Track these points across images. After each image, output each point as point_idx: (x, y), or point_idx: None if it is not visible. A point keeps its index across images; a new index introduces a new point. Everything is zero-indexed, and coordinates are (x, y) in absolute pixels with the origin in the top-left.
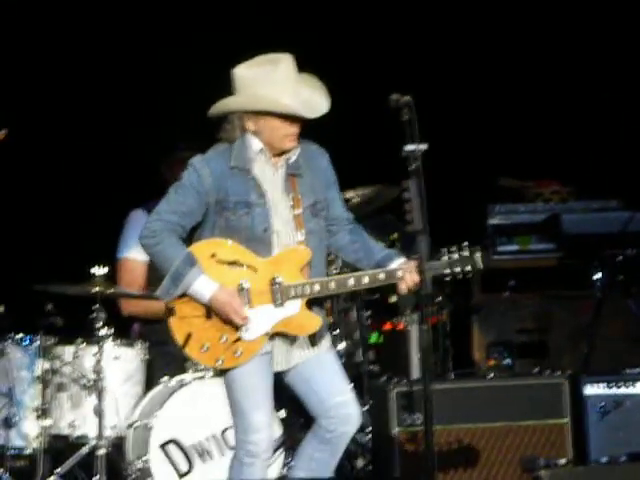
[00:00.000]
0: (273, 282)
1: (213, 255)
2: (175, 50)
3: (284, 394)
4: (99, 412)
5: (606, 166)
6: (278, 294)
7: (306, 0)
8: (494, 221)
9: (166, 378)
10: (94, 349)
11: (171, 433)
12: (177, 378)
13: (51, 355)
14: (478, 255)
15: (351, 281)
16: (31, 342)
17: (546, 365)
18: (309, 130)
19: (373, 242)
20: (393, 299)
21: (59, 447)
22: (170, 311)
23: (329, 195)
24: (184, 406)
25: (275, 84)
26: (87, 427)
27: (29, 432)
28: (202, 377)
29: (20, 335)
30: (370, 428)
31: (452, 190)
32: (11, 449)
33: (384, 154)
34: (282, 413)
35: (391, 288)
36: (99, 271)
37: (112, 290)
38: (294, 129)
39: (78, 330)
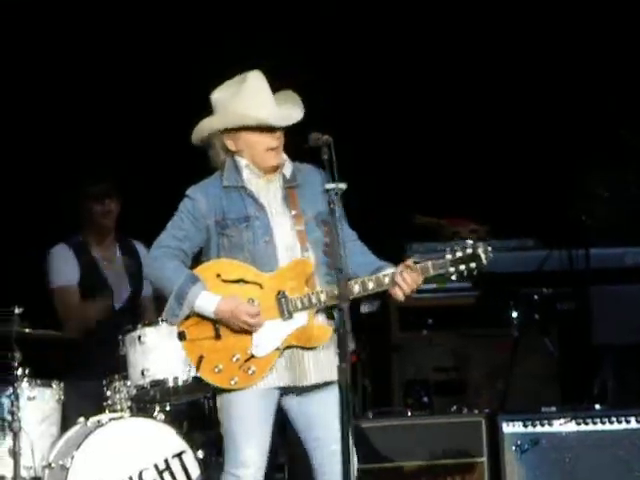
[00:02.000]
0: (279, 296)
1: (218, 275)
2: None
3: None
4: (15, 453)
5: (521, 205)
6: (285, 307)
7: None
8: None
9: (82, 419)
10: (9, 390)
11: (88, 474)
12: (94, 419)
13: None
14: (482, 250)
15: (356, 287)
16: None
17: (463, 403)
18: None
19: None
20: None
21: None
22: (181, 335)
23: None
24: (101, 447)
25: (243, 99)
26: (3, 468)
27: None
28: (120, 417)
29: None
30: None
31: (370, 228)
32: None
33: None
34: (199, 453)
35: None
36: (15, 310)
37: (28, 330)
38: (274, 142)
39: None
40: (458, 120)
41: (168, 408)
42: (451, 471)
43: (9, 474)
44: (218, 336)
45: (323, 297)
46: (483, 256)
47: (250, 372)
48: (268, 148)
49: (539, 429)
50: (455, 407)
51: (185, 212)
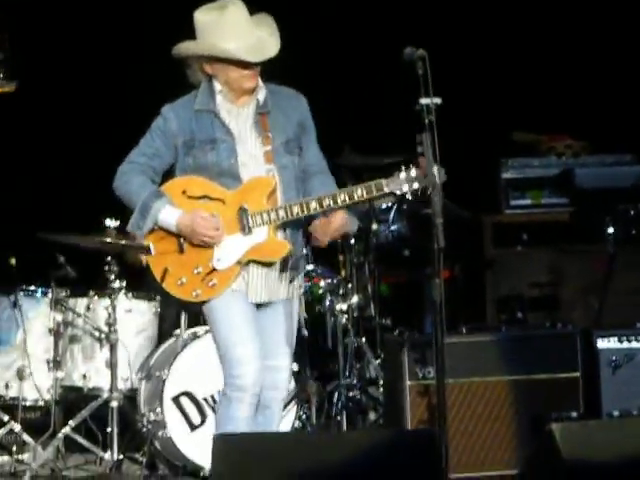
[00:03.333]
0: (239, 211)
1: (184, 192)
2: None
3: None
4: (112, 364)
5: (620, 120)
6: (244, 222)
7: None
8: (507, 175)
9: (178, 331)
10: (107, 302)
11: (184, 386)
12: (190, 331)
13: (64, 307)
14: (436, 169)
15: (313, 204)
16: (44, 294)
17: (558, 319)
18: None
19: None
20: (406, 252)
21: (72, 399)
22: (147, 250)
23: (303, 138)
24: (197, 359)
25: (220, 29)
26: (100, 379)
27: (42, 384)
28: None
29: (32, 287)
30: (382, 382)
31: (465, 144)
32: (24, 401)
33: (396, 108)
34: (294, 366)
35: (405, 240)
36: (112, 223)
37: (124, 242)
38: (248, 71)
39: (91, 282)
40: (558, 35)
41: None
42: (545, 386)
43: (106, 385)
44: (181, 250)
45: (281, 213)
46: (437, 175)
47: (211, 284)
48: (243, 75)
49: (634, 344)
50: (549, 323)
51: (156, 130)
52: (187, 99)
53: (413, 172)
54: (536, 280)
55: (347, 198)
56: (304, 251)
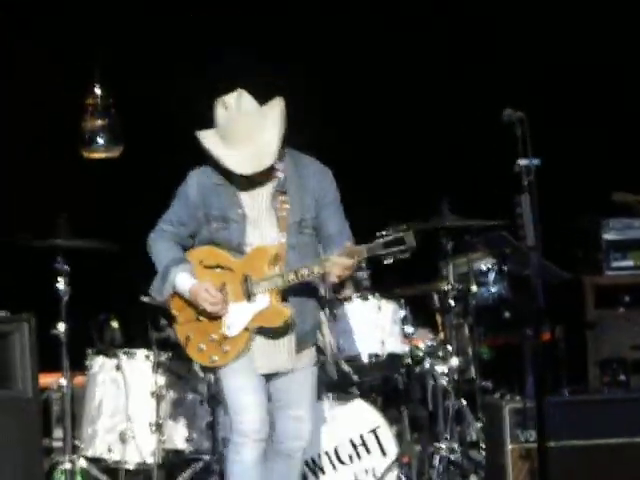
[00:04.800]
0: (244, 279)
1: (201, 261)
2: None
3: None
4: (213, 427)
5: None
6: (248, 289)
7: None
8: (608, 236)
9: None
10: None
11: None
12: None
13: (166, 370)
14: (410, 233)
15: (304, 270)
16: (146, 357)
17: None
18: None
19: None
20: (506, 314)
21: (174, 462)
22: (173, 318)
23: (322, 214)
24: None
25: (223, 130)
26: (202, 442)
27: (144, 447)
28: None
29: (135, 350)
30: (483, 445)
31: (565, 205)
32: (127, 464)
33: (494, 169)
34: (393, 429)
35: (506, 302)
36: None
37: None
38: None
39: None
40: None
41: (362, 384)
42: None
43: (208, 448)
44: (198, 318)
45: (279, 280)
46: (411, 239)
47: (224, 351)
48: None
49: None
50: None
51: (180, 197)
52: (211, 168)
53: (391, 237)
54: (639, 343)
55: (320, 270)
56: (316, 322)
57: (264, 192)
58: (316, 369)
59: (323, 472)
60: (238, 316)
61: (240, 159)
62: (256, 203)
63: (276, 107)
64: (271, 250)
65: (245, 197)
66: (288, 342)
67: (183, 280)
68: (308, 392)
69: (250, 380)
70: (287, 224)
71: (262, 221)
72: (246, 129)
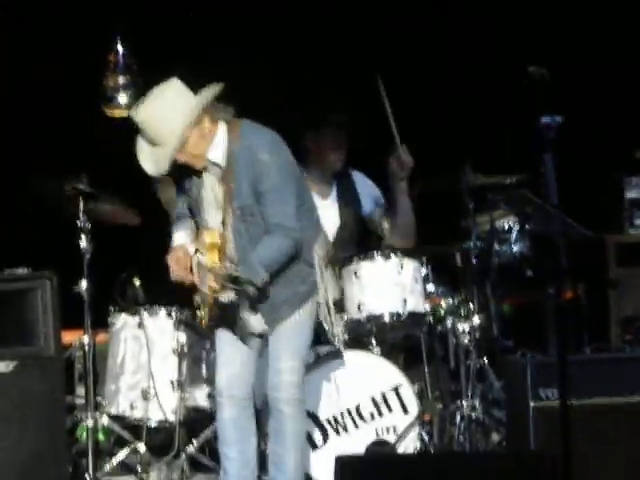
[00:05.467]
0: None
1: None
2: None
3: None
4: None
5: None
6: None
7: None
8: (631, 194)
9: None
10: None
11: (307, 407)
12: (311, 353)
13: (187, 328)
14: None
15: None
16: (168, 315)
17: None
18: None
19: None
20: (529, 273)
21: (196, 419)
22: None
23: (260, 202)
24: (319, 381)
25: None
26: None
27: (166, 405)
28: (337, 350)
29: (157, 307)
30: (505, 403)
31: (588, 163)
32: (149, 422)
33: (518, 127)
34: (416, 387)
35: (528, 261)
36: None
37: None
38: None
39: None
40: None
41: (384, 342)
42: None
43: None
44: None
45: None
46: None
47: (201, 316)
48: None
49: None
50: None
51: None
52: None
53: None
54: None
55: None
56: (294, 293)
57: (212, 175)
58: (305, 322)
59: (346, 430)
60: (203, 284)
61: (145, 159)
62: (210, 185)
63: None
64: (208, 236)
65: (207, 178)
66: (261, 309)
67: (173, 240)
68: (287, 347)
69: (224, 341)
70: (231, 209)
71: (212, 204)
72: (150, 131)
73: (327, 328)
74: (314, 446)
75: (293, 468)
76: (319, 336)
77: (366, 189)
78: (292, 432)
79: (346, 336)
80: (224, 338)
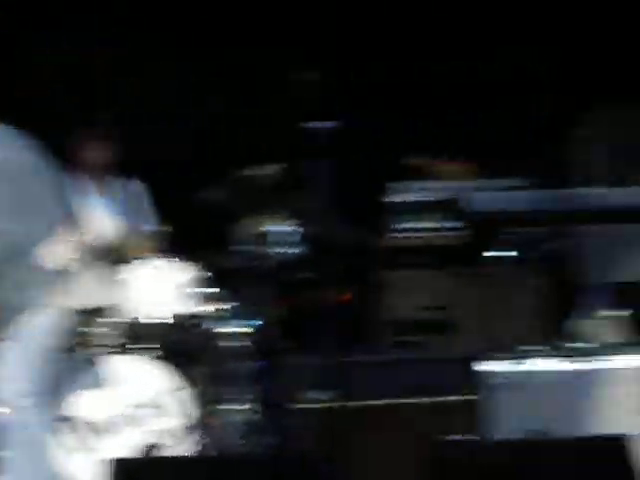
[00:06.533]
0: None
1: None
2: None
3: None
4: None
5: (513, 144)
6: None
7: None
8: (394, 199)
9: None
10: None
11: (82, 410)
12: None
13: None
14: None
15: None
16: None
17: (450, 342)
18: None
19: None
20: (305, 275)
21: None
22: None
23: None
24: (93, 385)
25: None
26: None
27: None
28: (112, 353)
29: None
30: (280, 405)
31: (354, 167)
32: None
33: (287, 131)
34: (192, 390)
35: (302, 264)
36: None
37: None
38: None
39: None
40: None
41: (160, 345)
42: (437, 410)
43: None
44: None
45: None
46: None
47: None
48: None
49: (524, 368)
50: (441, 346)
51: None
52: None
53: None
54: (428, 303)
55: None
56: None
57: None
58: (42, 328)
59: (120, 433)
60: None
61: None
62: None
63: None
64: None
65: None
66: None
67: None
68: (17, 354)
69: None
70: None
71: None
72: None
73: (90, 332)
74: (89, 450)
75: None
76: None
77: (138, 199)
78: (23, 439)
79: (121, 340)
80: None
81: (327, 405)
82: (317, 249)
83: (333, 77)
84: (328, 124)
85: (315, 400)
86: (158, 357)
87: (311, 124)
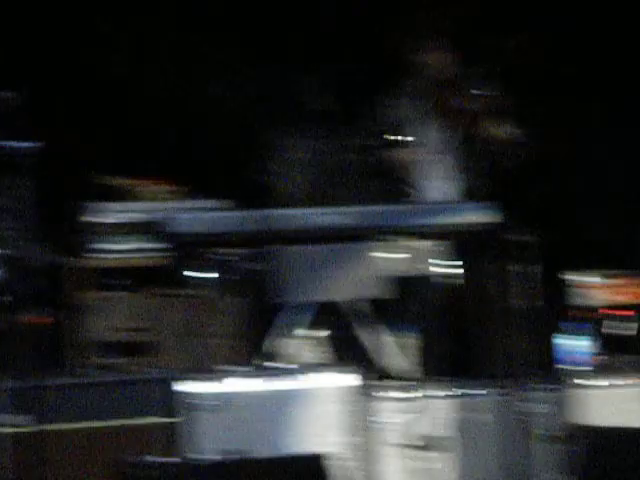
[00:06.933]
0: None
1: None
2: None
3: None
4: None
5: (215, 165)
6: None
7: None
8: (94, 219)
9: None
10: None
11: None
12: None
13: None
14: None
15: None
16: None
17: (151, 363)
18: None
19: None
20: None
21: None
22: None
23: None
24: None
25: None
26: None
27: None
28: None
29: None
30: None
31: (51, 187)
32: None
33: None
34: None
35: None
36: None
37: None
38: None
39: None
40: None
41: None
42: (136, 432)
43: None
44: None
45: None
46: None
47: None
48: None
49: (220, 388)
50: (141, 367)
51: None
52: None
53: None
54: (128, 324)
55: None
56: None
57: None
58: None
59: None
60: None
61: None
62: None
63: None
64: None
65: None
66: None
67: None
68: None
69: None
70: None
71: None
72: None
73: None
74: None
75: None
76: None
77: None
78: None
79: None
80: None
81: (19, 429)
82: (11, 271)
83: (28, 95)
84: (24, 143)
85: (15, 424)
86: None
87: (7, 143)
